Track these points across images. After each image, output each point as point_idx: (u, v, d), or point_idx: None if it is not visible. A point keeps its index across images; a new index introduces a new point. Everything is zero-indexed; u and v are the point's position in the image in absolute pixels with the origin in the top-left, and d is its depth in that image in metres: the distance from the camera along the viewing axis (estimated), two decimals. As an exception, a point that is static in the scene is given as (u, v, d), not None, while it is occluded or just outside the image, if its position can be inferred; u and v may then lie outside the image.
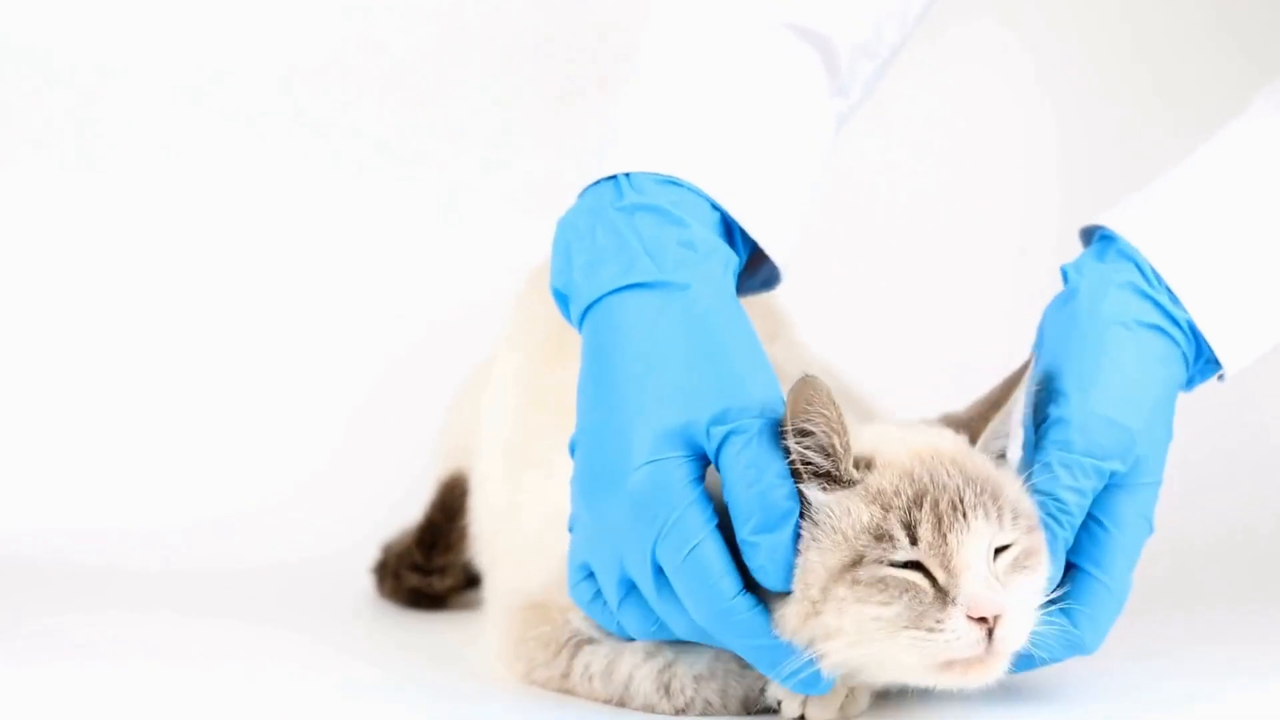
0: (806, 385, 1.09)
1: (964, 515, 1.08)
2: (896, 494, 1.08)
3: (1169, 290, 1.20)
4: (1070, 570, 1.17)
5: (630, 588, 1.13)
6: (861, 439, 1.13)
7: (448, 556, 1.59)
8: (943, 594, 1.06)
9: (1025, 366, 1.16)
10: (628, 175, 1.20)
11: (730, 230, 1.21)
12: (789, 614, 1.10)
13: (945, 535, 1.07)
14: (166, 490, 1.85)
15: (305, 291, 1.94)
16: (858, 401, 1.42)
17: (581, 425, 1.16)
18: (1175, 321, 1.19)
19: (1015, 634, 1.08)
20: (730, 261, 1.18)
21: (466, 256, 1.94)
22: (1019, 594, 1.09)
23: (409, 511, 1.63)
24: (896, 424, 1.18)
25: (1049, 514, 1.15)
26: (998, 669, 1.09)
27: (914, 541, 1.07)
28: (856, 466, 1.11)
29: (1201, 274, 1.20)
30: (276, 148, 1.92)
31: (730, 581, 1.10)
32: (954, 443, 1.14)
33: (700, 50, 1.25)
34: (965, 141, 1.98)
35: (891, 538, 1.07)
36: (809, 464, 1.11)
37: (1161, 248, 1.20)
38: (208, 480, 1.87)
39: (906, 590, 1.06)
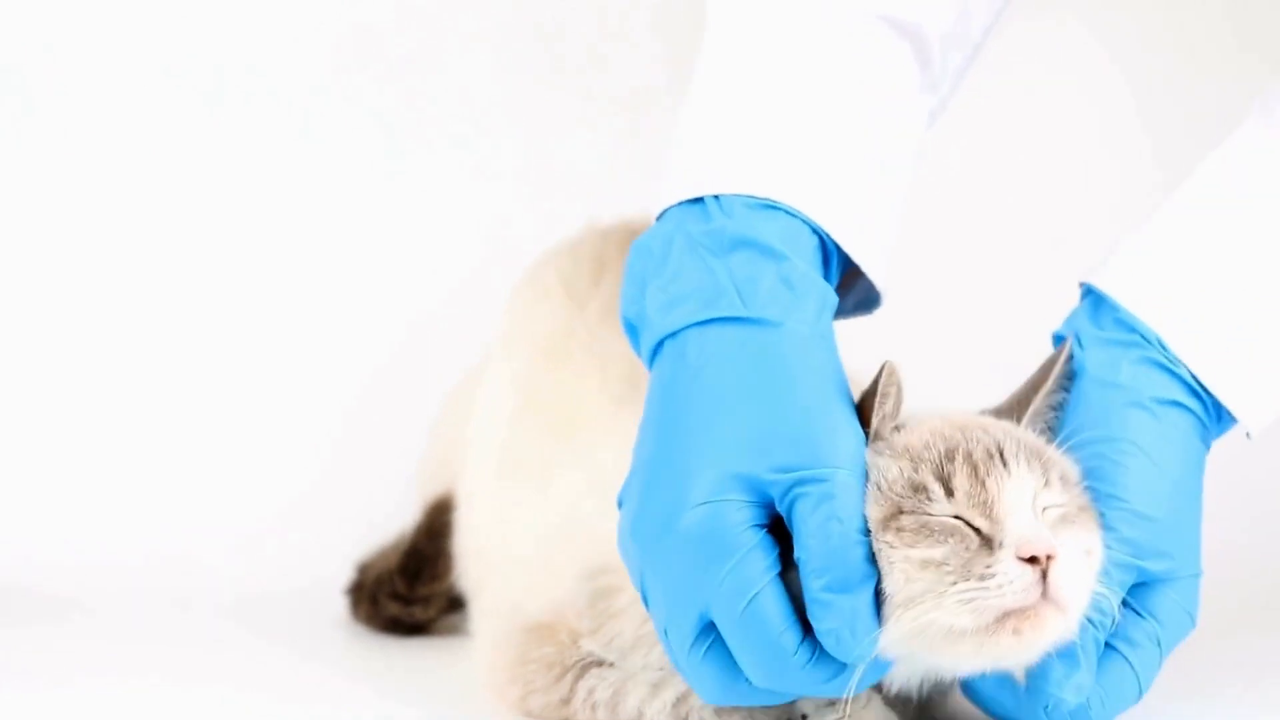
0: (887, 366, 1.08)
1: (1004, 463, 1.05)
2: (927, 448, 1.06)
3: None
4: None
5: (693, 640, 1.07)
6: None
7: (432, 586, 1.54)
8: (988, 541, 1.03)
9: (1062, 349, 1.14)
10: (716, 197, 1.11)
11: (826, 256, 1.14)
12: None
13: (983, 482, 1.04)
14: (134, 508, 1.82)
15: (281, 299, 1.91)
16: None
17: (638, 465, 1.09)
18: (1196, 393, 1.14)
19: (1071, 580, 1.03)
20: (829, 300, 1.11)
21: (452, 256, 1.90)
22: (1070, 546, 1.04)
23: (387, 527, 1.60)
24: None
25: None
26: (1056, 625, 1.03)
27: (950, 493, 1.04)
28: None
29: (1206, 334, 1.15)
30: (241, 148, 1.90)
31: (792, 636, 1.03)
32: (993, 418, 1.11)
33: (788, 48, 1.16)
34: (1018, 131, 1.94)
35: (926, 490, 1.04)
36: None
37: (1161, 311, 1.15)
38: (176, 496, 1.84)
39: (952, 534, 1.03)
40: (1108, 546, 1.08)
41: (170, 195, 1.89)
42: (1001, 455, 1.05)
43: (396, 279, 1.90)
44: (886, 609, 1.02)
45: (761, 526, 1.04)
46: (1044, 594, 1.01)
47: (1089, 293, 1.17)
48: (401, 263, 1.90)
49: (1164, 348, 1.14)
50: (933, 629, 1.02)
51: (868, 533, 1.03)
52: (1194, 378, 1.13)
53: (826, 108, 1.15)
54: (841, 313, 1.18)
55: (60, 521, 1.80)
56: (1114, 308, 1.15)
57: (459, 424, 1.51)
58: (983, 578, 1.01)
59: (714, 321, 1.08)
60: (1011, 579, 1.01)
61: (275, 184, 1.90)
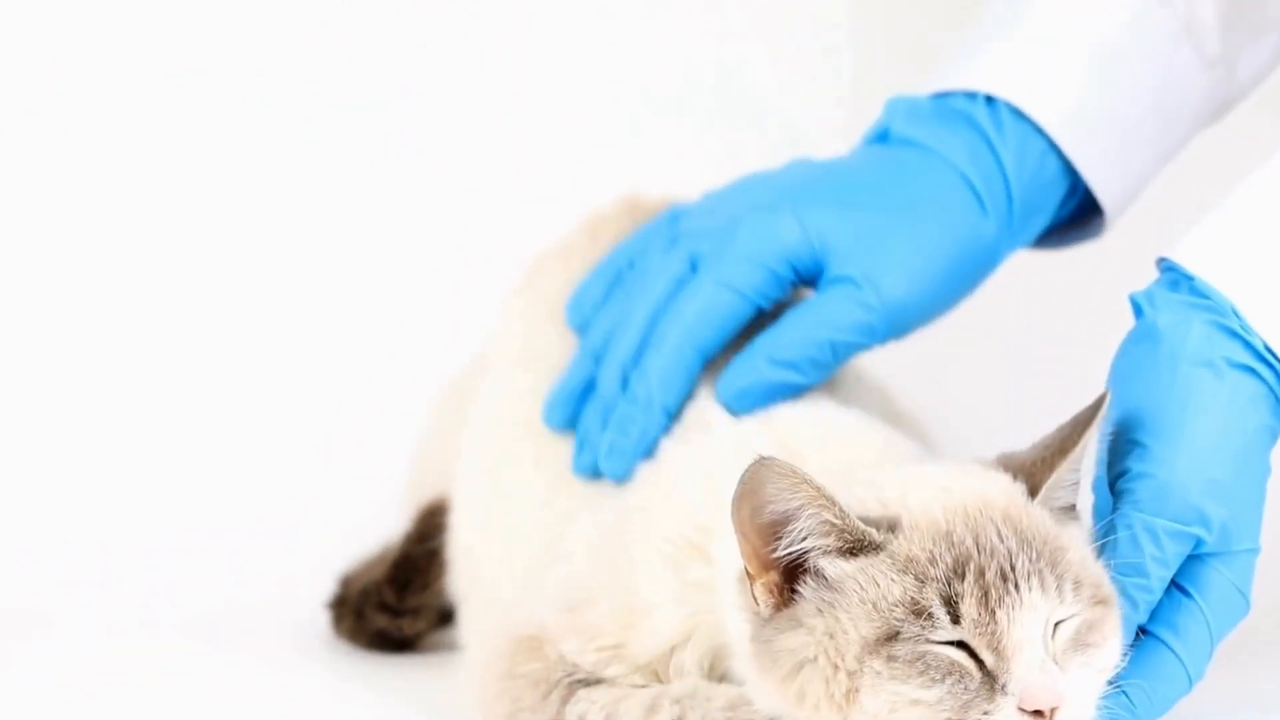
0: (761, 468, 1.00)
1: (1015, 586, 1.01)
2: (933, 562, 1.01)
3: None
4: (1139, 637, 1.09)
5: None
6: (885, 489, 1.06)
7: (423, 597, 1.50)
8: (991, 679, 1.00)
9: (1098, 405, 1.08)
10: (985, 97, 1.27)
11: (1062, 176, 1.29)
12: (812, 680, 1.01)
13: (994, 611, 1.00)
14: (111, 518, 1.80)
15: (267, 302, 1.90)
16: (910, 426, 1.34)
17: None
18: (1269, 362, 1.12)
19: None
20: (1031, 221, 1.28)
21: (443, 259, 1.89)
22: (1079, 677, 1.02)
23: (372, 539, 1.56)
24: (942, 466, 1.10)
25: (1123, 590, 1.08)
26: None
27: (956, 619, 1.00)
28: (877, 528, 1.03)
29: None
30: (235, 148, 1.89)
31: (702, 346, 1.21)
32: (1007, 494, 1.06)
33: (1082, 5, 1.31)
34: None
35: (930, 615, 1.00)
36: (809, 548, 1.03)
37: (1240, 282, 1.14)
38: (154, 504, 1.82)
39: (950, 673, 0.99)
40: (1156, 515, 1.06)
41: (157, 196, 1.88)
42: (1014, 575, 1.00)
43: (386, 281, 1.89)
44: None
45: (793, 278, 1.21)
46: None
47: (1168, 269, 1.16)
48: (391, 265, 1.89)
49: (1238, 316, 1.11)
50: None
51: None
52: (1266, 347, 1.11)
53: (1101, 55, 1.29)
54: (1073, 239, 1.34)
55: (37, 533, 1.78)
56: (1189, 278, 1.14)
57: (453, 427, 1.46)
58: None
59: (906, 143, 1.26)
60: None
61: (266, 186, 1.89)
